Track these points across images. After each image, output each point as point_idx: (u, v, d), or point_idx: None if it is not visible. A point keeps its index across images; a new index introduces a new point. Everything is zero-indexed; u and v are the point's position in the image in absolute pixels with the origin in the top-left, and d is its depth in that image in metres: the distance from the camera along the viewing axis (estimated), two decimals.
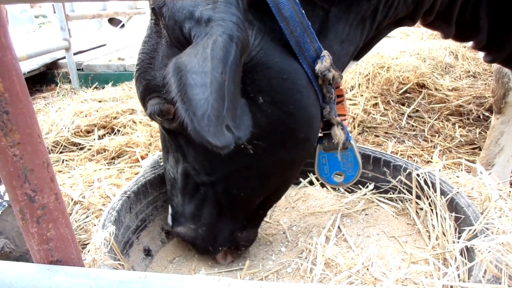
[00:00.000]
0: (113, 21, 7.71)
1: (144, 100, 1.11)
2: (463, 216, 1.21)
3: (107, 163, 2.53)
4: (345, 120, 1.15)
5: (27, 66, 4.04)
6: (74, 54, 4.41)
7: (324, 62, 0.98)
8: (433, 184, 1.38)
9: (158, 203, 1.52)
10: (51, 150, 2.74)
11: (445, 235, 1.27)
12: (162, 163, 1.53)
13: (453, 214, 1.26)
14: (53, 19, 8.01)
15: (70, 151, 2.72)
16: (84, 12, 4.69)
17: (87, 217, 1.78)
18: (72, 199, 1.96)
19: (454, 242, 1.21)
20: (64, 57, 4.24)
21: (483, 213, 1.15)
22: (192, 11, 0.87)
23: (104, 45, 5.48)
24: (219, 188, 1.18)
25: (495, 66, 1.71)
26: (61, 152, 2.73)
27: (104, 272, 0.71)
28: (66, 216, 0.77)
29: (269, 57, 0.97)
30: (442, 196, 1.32)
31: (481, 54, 1.39)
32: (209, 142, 0.74)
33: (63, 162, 2.60)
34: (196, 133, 0.74)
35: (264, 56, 0.97)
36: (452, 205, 1.28)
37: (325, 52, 0.99)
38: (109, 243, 1.07)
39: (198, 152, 1.14)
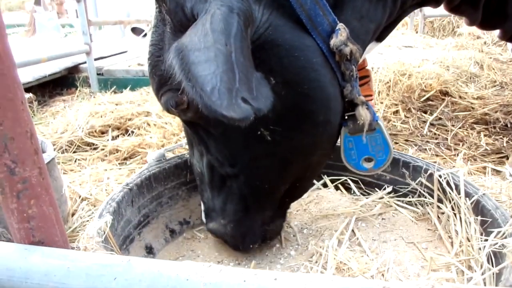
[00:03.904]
0: (135, 30, 7.87)
1: (158, 95, 1.09)
2: (490, 219, 1.09)
3: (119, 163, 2.51)
4: (371, 100, 1.07)
5: (48, 69, 4.11)
6: (96, 59, 4.47)
7: (340, 36, 0.90)
8: (457, 186, 1.27)
9: (163, 199, 1.46)
10: (65, 149, 2.73)
11: (469, 241, 1.16)
12: (167, 157, 1.48)
13: (479, 217, 1.14)
14: (76, 25, 8.24)
15: (83, 151, 2.71)
16: (106, 18, 4.76)
17: (92, 213, 1.73)
18: (79, 196, 1.93)
19: (480, 248, 1.09)
20: (85, 62, 4.30)
21: None
22: None
23: (125, 52, 5.56)
24: (243, 179, 1.13)
25: None
26: (74, 152, 2.72)
27: (84, 254, 0.65)
28: (50, 193, 0.72)
29: (278, 34, 0.90)
30: (467, 199, 1.21)
31: (509, 46, 1.28)
32: (224, 116, 0.67)
33: (75, 161, 2.59)
34: (207, 108, 0.68)
35: (273, 33, 0.90)
36: (478, 208, 1.17)
37: (340, 25, 0.91)
38: (104, 233, 1.01)
39: (219, 142, 1.10)
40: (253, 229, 1.29)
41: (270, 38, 0.90)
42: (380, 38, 1.15)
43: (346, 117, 1.12)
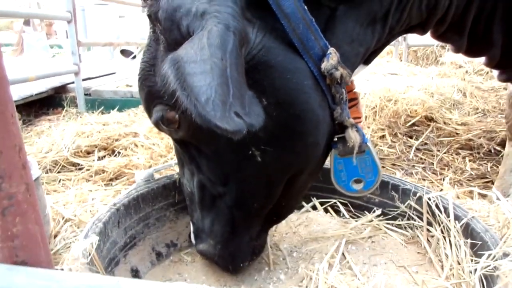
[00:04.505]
0: (125, 52, 7.90)
1: (148, 108, 1.08)
2: (480, 242, 1.10)
3: (104, 184, 2.45)
4: (360, 122, 1.08)
5: (35, 88, 4.07)
6: (84, 80, 4.45)
7: (331, 60, 0.92)
8: (446, 209, 1.27)
9: (150, 220, 1.43)
10: (49, 169, 2.67)
11: (459, 264, 1.16)
12: (156, 177, 1.46)
13: (469, 240, 1.15)
14: (66, 45, 8.23)
15: (68, 171, 2.66)
16: (96, 40, 4.78)
17: (75, 235, 1.68)
18: (63, 217, 1.87)
19: (470, 272, 1.09)
20: (73, 82, 4.28)
21: (503, 239, 1.04)
22: (189, 8, 0.85)
23: (114, 73, 5.56)
24: (233, 198, 1.12)
25: (509, 90, 1.65)
26: (59, 172, 2.66)
27: (71, 274, 0.62)
28: (37, 211, 0.69)
29: (271, 56, 0.92)
30: (456, 221, 1.21)
31: (495, 73, 1.32)
32: (218, 127, 0.67)
33: (59, 181, 2.53)
34: (201, 118, 0.68)
35: (266, 55, 0.92)
36: (468, 231, 1.17)
37: (331, 50, 0.93)
38: (90, 255, 0.97)
39: (210, 161, 1.09)
40: (242, 248, 1.27)
41: (263, 59, 0.92)
42: (367, 61, 1.18)
43: (335, 139, 1.13)
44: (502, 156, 2.65)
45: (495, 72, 1.32)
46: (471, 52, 1.24)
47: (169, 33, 0.92)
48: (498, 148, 2.73)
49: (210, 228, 1.24)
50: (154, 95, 1.02)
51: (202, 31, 0.79)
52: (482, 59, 1.26)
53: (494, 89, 4.84)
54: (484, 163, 2.60)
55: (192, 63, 0.73)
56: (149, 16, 0.98)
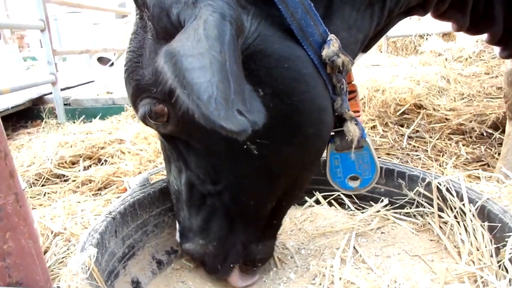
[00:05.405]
0: (102, 60, 7.72)
1: (135, 103, 1.01)
2: (500, 225, 1.05)
3: (92, 194, 2.35)
4: (359, 116, 1.03)
5: (11, 101, 3.90)
6: (62, 90, 4.30)
7: (332, 47, 0.88)
8: (458, 193, 1.23)
9: (148, 227, 1.34)
10: (33, 183, 2.55)
11: (478, 250, 1.11)
12: (152, 182, 1.37)
13: (486, 223, 1.10)
14: (40, 56, 7.99)
15: (53, 184, 2.53)
16: (72, 48, 4.63)
17: (68, 249, 1.58)
18: (52, 232, 1.77)
19: (491, 256, 1.04)
20: (51, 93, 4.12)
21: None
22: None
23: (93, 81, 5.41)
24: (226, 197, 1.05)
25: (507, 68, 1.62)
26: (43, 185, 2.53)
27: None
28: (29, 224, 0.61)
29: (267, 44, 0.87)
30: (471, 205, 1.17)
31: (496, 50, 1.29)
32: (223, 127, 0.63)
33: (44, 195, 2.41)
34: (206, 119, 0.64)
35: (262, 43, 0.87)
36: (484, 214, 1.13)
37: (331, 36, 0.89)
38: (89, 268, 0.89)
39: (200, 157, 1.03)
40: (235, 249, 1.19)
41: (258, 48, 0.87)
42: (366, 48, 1.14)
43: (333, 133, 1.08)
44: (494, 138, 2.66)
45: (497, 49, 1.29)
46: (473, 29, 1.20)
47: (158, 20, 0.85)
48: (489, 130, 2.74)
49: (199, 227, 1.16)
50: (142, 88, 0.96)
51: (197, 21, 0.73)
52: (476, 40, 1.23)
53: (476, 75, 4.90)
54: (478, 147, 2.60)
55: (189, 57, 0.68)
56: (136, 1, 0.91)
